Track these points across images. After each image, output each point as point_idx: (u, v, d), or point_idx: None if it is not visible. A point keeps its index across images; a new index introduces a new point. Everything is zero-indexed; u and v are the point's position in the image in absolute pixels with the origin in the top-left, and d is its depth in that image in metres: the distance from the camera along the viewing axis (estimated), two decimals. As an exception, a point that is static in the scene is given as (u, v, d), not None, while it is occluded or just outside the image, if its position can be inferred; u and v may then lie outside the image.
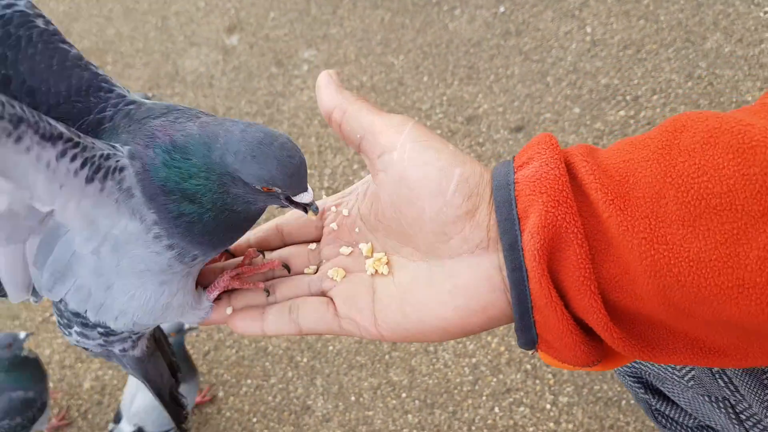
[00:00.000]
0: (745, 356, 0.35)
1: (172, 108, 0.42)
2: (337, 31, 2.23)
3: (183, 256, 0.42)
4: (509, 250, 0.36)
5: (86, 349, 0.50)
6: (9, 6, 0.42)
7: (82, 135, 0.38)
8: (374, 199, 0.43)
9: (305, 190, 0.40)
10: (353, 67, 2.11)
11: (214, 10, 2.48)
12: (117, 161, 0.39)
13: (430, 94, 1.98)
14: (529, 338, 0.37)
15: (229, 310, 0.47)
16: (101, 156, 0.38)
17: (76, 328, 0.47)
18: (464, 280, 0.38)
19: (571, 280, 0.35)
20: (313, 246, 0.48)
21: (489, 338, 1.56)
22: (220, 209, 0.40)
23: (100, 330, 0.46)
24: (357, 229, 0.45)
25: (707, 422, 0.69)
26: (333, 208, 0.47)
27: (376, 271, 0.43)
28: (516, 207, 0.36)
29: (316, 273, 0.46)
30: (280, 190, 0.40)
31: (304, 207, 0.41)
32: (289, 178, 0.39)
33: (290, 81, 2.16)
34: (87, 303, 0.44)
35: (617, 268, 0.34)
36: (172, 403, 0.59)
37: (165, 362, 0.58)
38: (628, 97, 1.78)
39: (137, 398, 1.42)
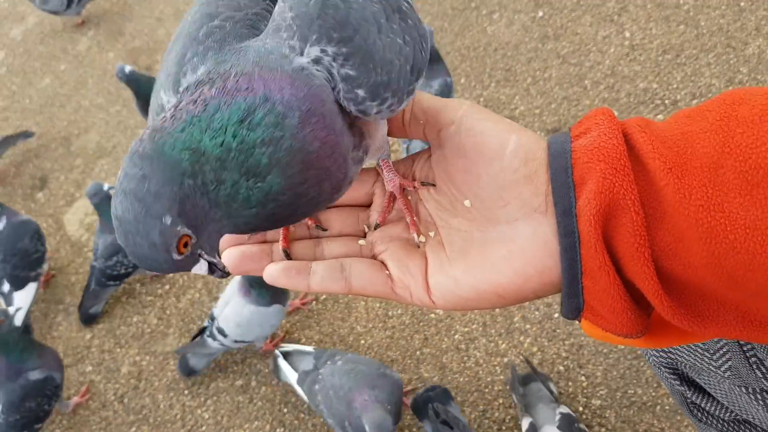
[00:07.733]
0: None
1: None
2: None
3: None
4: (563, 215, 0.36)
5: None
6: None
7: None
8: (428, 173, 0.44)
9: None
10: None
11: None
12: None
13: (467, 95, 1.99)
14: (575, 305, 0.38)
15: (275, 262, 0.43)
16: None
17: None
18: (520, 245, 0.38)
19: (625, 246, 0.35)
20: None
21: (521, 338, 1.56)
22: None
23: None
24: (409, 197, 0.45)
25: (744, 416, 0.69)
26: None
27: (423, 237, 0.43)
28: (572, 174, 0.37)
29: (364, 238, 0.45)
30: None
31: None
32: None
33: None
34: None
35: (671, 236, 0.35)
36: None
37: None
38: (666, 101, 1.76)
39: (227, 308, 1.55)
